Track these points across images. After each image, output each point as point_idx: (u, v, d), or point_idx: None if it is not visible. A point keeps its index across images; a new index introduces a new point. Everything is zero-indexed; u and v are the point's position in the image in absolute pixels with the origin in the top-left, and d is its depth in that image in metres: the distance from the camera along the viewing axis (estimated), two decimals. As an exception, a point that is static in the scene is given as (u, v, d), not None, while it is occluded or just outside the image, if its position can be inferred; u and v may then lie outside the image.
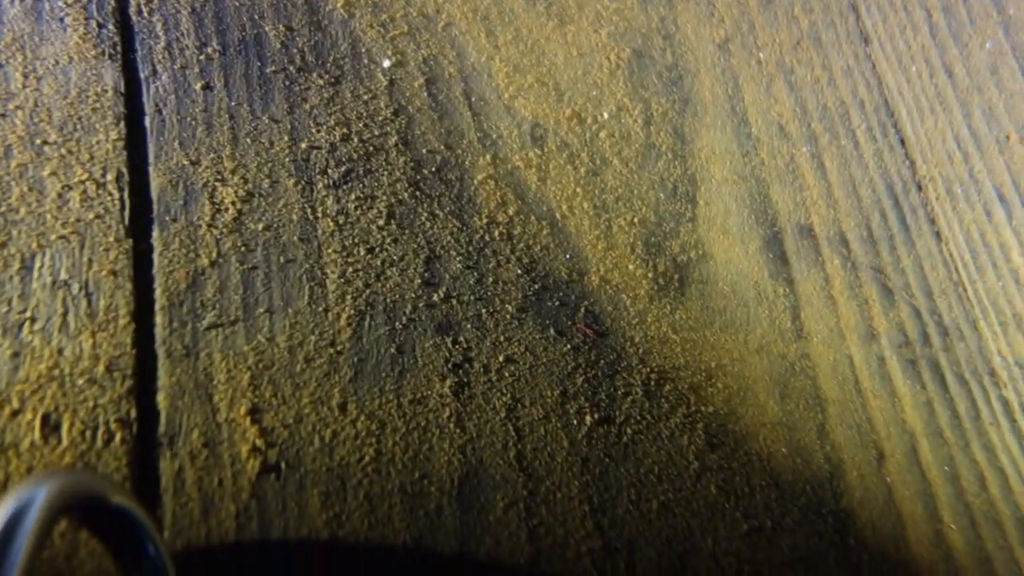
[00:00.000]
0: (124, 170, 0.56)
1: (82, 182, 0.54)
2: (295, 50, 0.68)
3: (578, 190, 0.69)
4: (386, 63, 0.69)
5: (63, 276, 0.51)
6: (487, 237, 0.65)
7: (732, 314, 0.67)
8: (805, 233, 0.71)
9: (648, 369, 0.64)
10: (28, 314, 0.50)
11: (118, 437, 0.49)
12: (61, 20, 0.63)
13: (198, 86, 0.63)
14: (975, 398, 0.65)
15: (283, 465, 0.53)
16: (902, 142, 0.74)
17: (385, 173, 0.65)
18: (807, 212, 0.71)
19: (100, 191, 0.54)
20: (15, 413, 0.47)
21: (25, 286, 0.50)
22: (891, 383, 0.65)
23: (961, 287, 0.69)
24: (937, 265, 0.70)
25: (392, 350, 0.59)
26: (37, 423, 0.47)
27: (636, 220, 0.69)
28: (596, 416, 0.61)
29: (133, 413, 0.50)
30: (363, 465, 0.55)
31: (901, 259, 0.70)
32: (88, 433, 0.48)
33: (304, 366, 0.56)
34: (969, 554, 0.59)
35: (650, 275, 0.67)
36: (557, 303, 0.65)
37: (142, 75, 0.62)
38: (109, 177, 0.55)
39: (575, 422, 0.60)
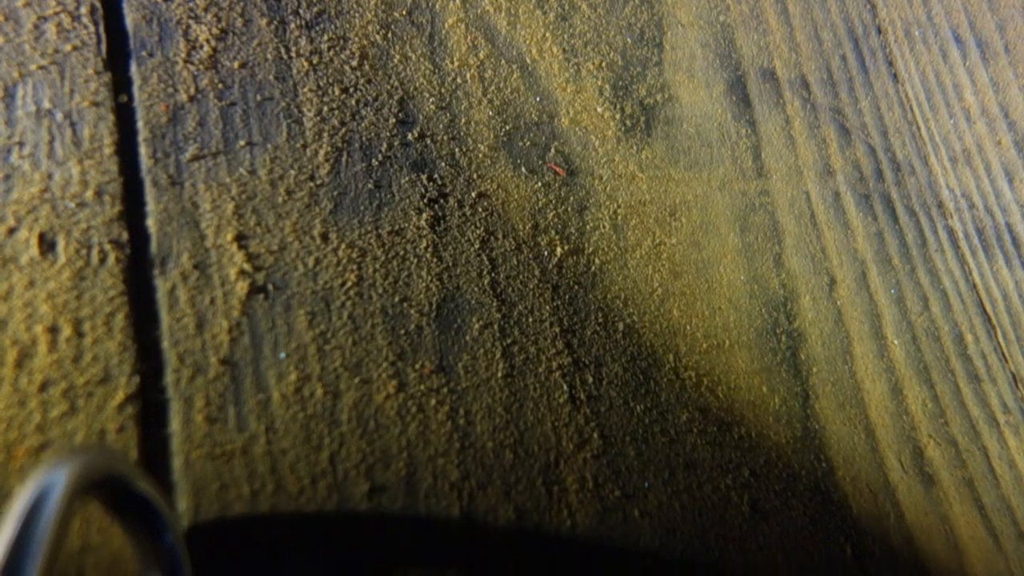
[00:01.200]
0: (97, 3, 0.56)
1: (56, 14, 0.55)
2: None
3: (547, 35, 0.70)
4: (354, -94, 0.69)
5: (46, 105, 0.53)
6: (459, 80, 0.67)
7: (696, 154, 0.70)
8: (767, 76, 0.73)
9: (616, 205, 0.67)
10: (16, 139, 0.51)
11: (112, 257, 0.52)
12: None
13: (165, -75, 0.63)
14: (923, 228, 0.69)
15: (271, 287, 0.56)
16: (864, -14, 0.76)
17: (356, 15, 0.66)
18: (770, 56, 0.73)
19: (75, 24, 0.55)
20: (12, 230, 0.50)
21: (10, 113, 0.52)
22: (845, 216, 0.69)
23: (915, 125, 0.72)
24: (893, 105, 0.73)
25: (370, 185, 0.62)
26: (34, 241, 0.50)
27: (604, 64, 0.71)
28: (566, 248, 0.64)
29: (125, 236, 0.53)
30: (346, 289, 0.58)
31: (859, 100, 0.73)
32: (83, 252, 0.51)
33: (286, 198, 0.59)
34: (910, 365, 0.64)
35: (618, 117, 0.70)
36: (528, 143, 0.67)
37: (108, -87, 0.62)
38: (83, 10, 0.56)
39: (546, 253, 0.64)
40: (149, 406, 0.50)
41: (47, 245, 0.50)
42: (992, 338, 0.66)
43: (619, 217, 0.66)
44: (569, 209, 0.66)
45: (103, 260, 0.51)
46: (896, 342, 0.65)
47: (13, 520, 0.33)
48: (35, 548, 0.33)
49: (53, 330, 0.49)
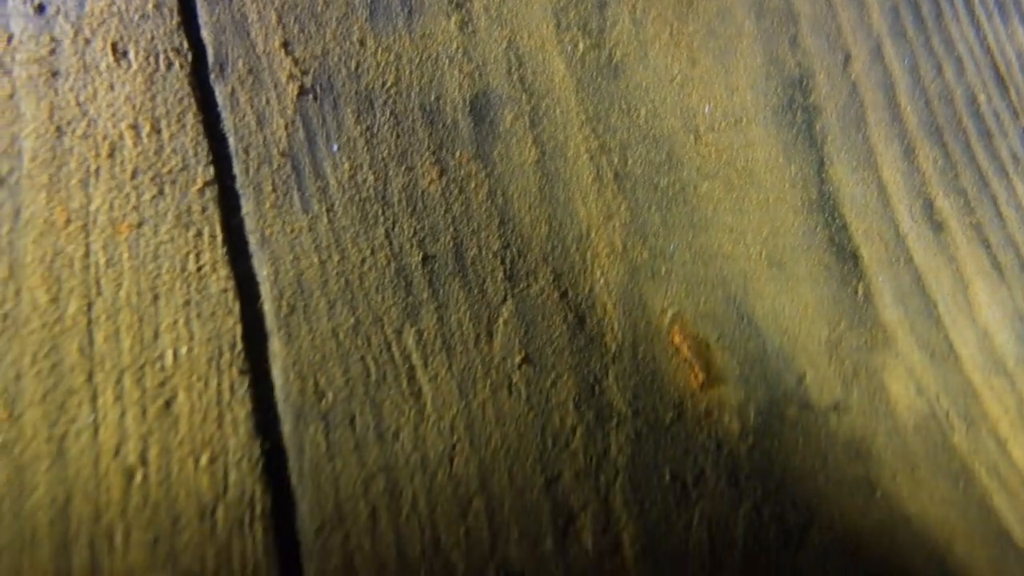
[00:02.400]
0: None
1: None
2: None
3: None
4: None
5: (102, -71, 0.59)
6: None
7: (711, -54, 0.72)
8: None
9: (633, 1, 0.70)
10: (81, -40, 0.57)
11: (177, 64, 0.58)
12: None
13: None
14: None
15: (318, 89, 0.62)
16: None
17: None
18: None
19: None
20: (88, 41, 0.56)
21: (73, -63, 0.58)
22: (859, -6, 0.71)
23: (930, -102, 0.73)
24: None
25: (400, -6, 0.66)
26: (109, 50, 0.56)
27: None
28: (588, 42, 0.68)
29: (185, 45, 0.59)
30: (386, 88, 0.63)
31: None
32: (152, 59, 0.57)
33: (324, 7, 0.64)
34: (922, 128, 0.68)
35: (632, -85, 0.72)
36: (546, -53, 0.70)
37: None
38: None
39: (569, 49, 0.68)
40: (225, 191, 0.57)
41: (120, 53, 0.56)
42: (1005, 96, 0.68)
43: (638, 11, 0.70)
44: (589, 6, 0.69)
45: (169, 66, 0.58)
46: (909, 108, 0.68)
47: None
48: None
49: (135, 127, 0.56)
